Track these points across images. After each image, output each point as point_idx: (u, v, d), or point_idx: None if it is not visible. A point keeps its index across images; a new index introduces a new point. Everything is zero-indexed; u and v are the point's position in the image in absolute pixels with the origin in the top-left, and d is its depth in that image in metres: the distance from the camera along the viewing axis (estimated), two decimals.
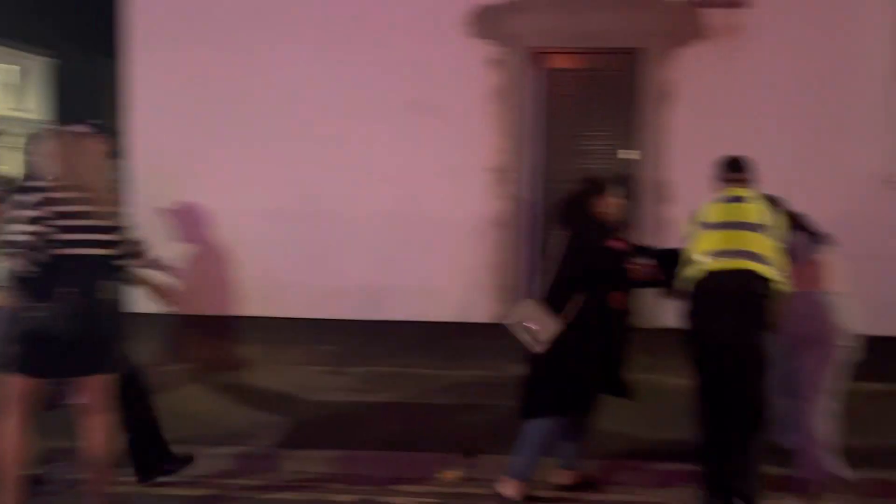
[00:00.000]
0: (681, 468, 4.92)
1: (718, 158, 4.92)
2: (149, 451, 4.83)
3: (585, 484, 5.00)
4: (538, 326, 4.66)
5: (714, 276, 4.43)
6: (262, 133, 7.54)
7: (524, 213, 7.51)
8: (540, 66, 7.52)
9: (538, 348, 4.67)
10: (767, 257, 4.40)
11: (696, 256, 4.54)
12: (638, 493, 5.01)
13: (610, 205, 4.81)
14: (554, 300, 4.66)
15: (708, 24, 7.21)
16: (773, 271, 4.39)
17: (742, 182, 4.76)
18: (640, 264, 4.74)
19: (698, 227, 4.64)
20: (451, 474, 5.19)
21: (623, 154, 7.47)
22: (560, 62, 7.59)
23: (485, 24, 7.41)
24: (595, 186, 4.87)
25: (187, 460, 4.96)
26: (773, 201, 4.63)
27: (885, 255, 7.01)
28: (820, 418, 4.67)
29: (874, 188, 6.99)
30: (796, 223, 4.67)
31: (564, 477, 4.98)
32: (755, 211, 4.53)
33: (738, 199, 4.62)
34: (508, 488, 4.71)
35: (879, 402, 6.27)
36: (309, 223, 7.57)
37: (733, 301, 4.39)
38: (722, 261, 4.43)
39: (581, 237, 4.69)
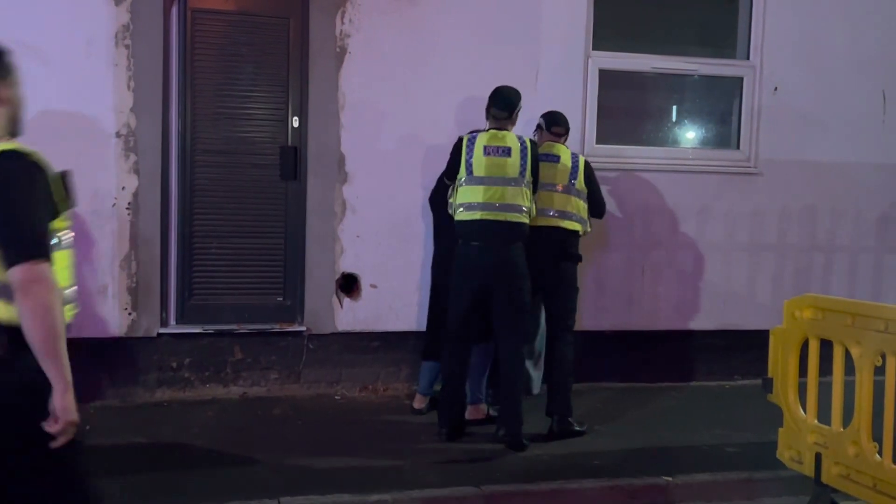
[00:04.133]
0: None
1: (548, 112, 5.69)
2: None
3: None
4: None
5: (538, 231, 5.32)
6: None
7: (159, 193, 5.87)
8: (180, 3, 5.91)
9: None
10: (575, 215, 5.46)
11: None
12: None
13: None
14: None
15: None
16: (578, 225, 5.48)
17: (561, 137, 5.63)
18: None
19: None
20: None
21: (297, 122, 6.12)
22: (206, 1, 6.00)
23: None
24: None
25: None
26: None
27: None
28: None
29: None
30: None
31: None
32: (566, 173, 5.46)
33: (554, 159, 5.47)
34: (476, 413, 5.57)
35: None
36: None
37: (550, 251, 5.41)
38: (543, 219, 5.38)
39: None
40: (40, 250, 2.32)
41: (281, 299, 6.20)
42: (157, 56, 5.79)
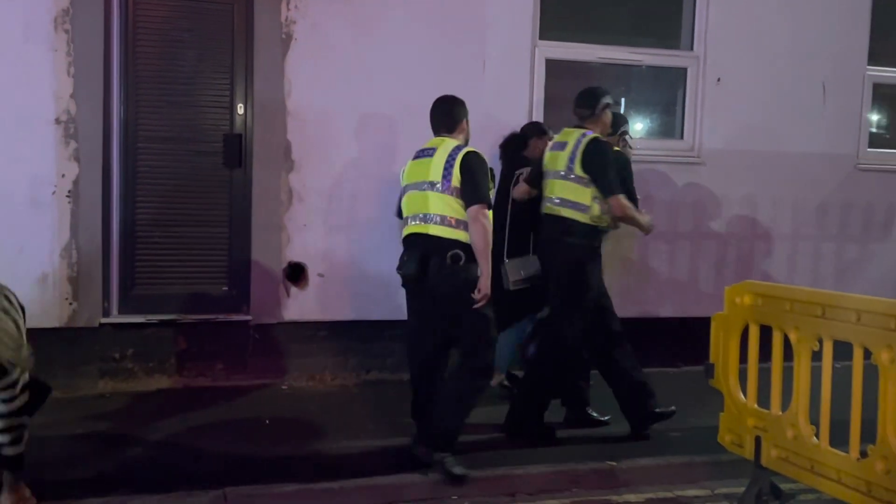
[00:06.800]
0: None
1: None
2: None
3: None
4: (527, 272, 5.50)
5: (546, 219, 5.28)
6: None
7: (100, 181, 5.75)
8: None
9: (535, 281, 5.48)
10: (573, 202, 5.10)
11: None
12: None
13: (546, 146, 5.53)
14: (515, 241, 5.61)
15: None
16: (577, 212, 5.08)
17: (581, 119, 5.25)
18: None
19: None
20: None
21: (242, 109, 6.03)
22: None
23: None
24: (537, 128, 5.91)
25: None
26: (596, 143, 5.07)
27: None
28: None
29: None
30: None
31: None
32: (566, 159, 5.11)
33: (562, 146, 5.17)
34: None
35: None
36: None
37: (551, 245, 5.23)
38: (547, 206, 5.25)
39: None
40: (487, 200, 4.46)
41: (226, 288, 6.12)
42: (97, 41, 5.66)
